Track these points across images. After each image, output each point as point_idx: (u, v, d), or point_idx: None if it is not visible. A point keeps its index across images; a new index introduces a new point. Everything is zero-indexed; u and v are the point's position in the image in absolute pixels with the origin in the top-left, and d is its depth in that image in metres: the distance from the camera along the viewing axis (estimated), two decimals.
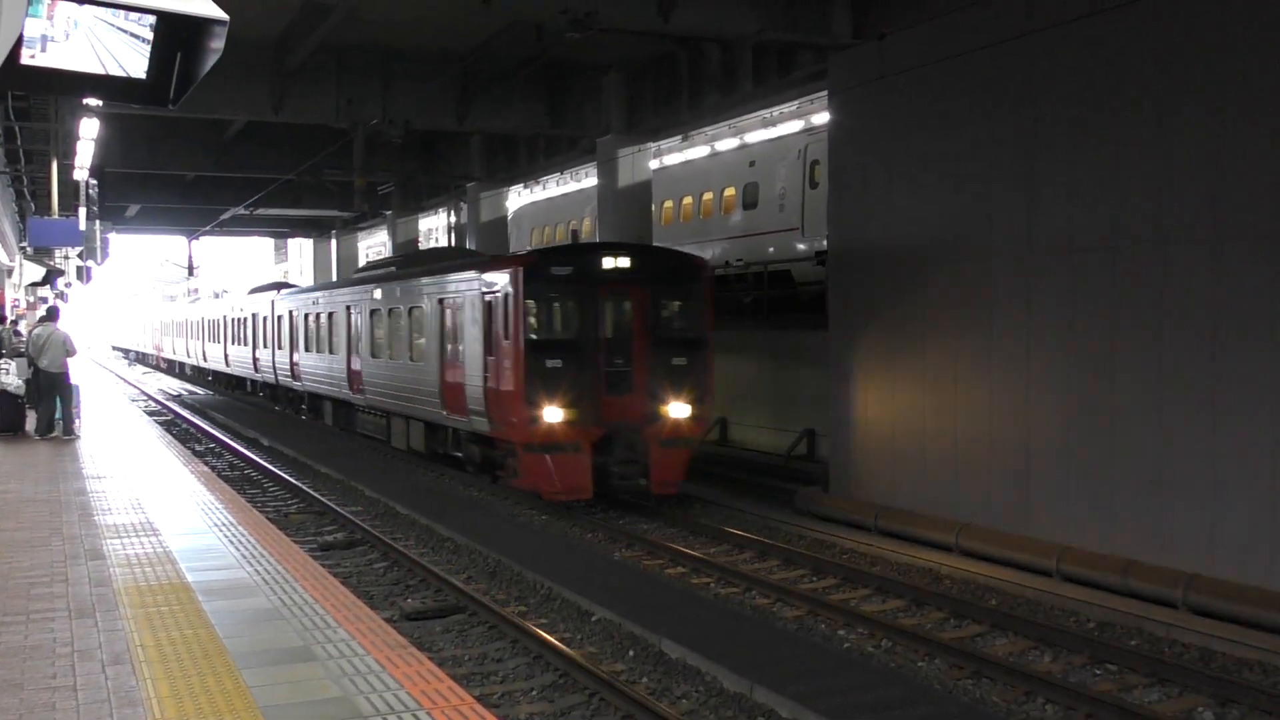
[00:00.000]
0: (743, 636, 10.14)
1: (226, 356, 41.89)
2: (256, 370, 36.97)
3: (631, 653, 10.01)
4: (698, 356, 17.31)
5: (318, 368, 28.90)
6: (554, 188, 37.22)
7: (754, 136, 25.93)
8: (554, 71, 25.66)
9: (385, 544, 14.50)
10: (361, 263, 41.18)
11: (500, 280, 17.08)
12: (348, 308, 26.00)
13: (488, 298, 17.38)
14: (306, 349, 30.17)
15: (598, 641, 10.43)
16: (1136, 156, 12.31)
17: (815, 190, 22.00)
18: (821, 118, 20.76)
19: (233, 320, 40.54)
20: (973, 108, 14.58)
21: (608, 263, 17.13)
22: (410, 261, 24.60)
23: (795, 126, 24.23)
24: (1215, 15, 11.64)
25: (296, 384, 31.71)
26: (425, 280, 20.86)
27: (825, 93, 19.05)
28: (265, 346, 34.97)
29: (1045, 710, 8.84)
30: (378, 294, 23.76)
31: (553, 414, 16.19)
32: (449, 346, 19.22)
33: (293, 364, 31.67)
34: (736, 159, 26.07)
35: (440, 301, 19.60)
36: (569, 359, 16.49)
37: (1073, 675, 9.62)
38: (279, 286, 38.87)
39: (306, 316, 30.19)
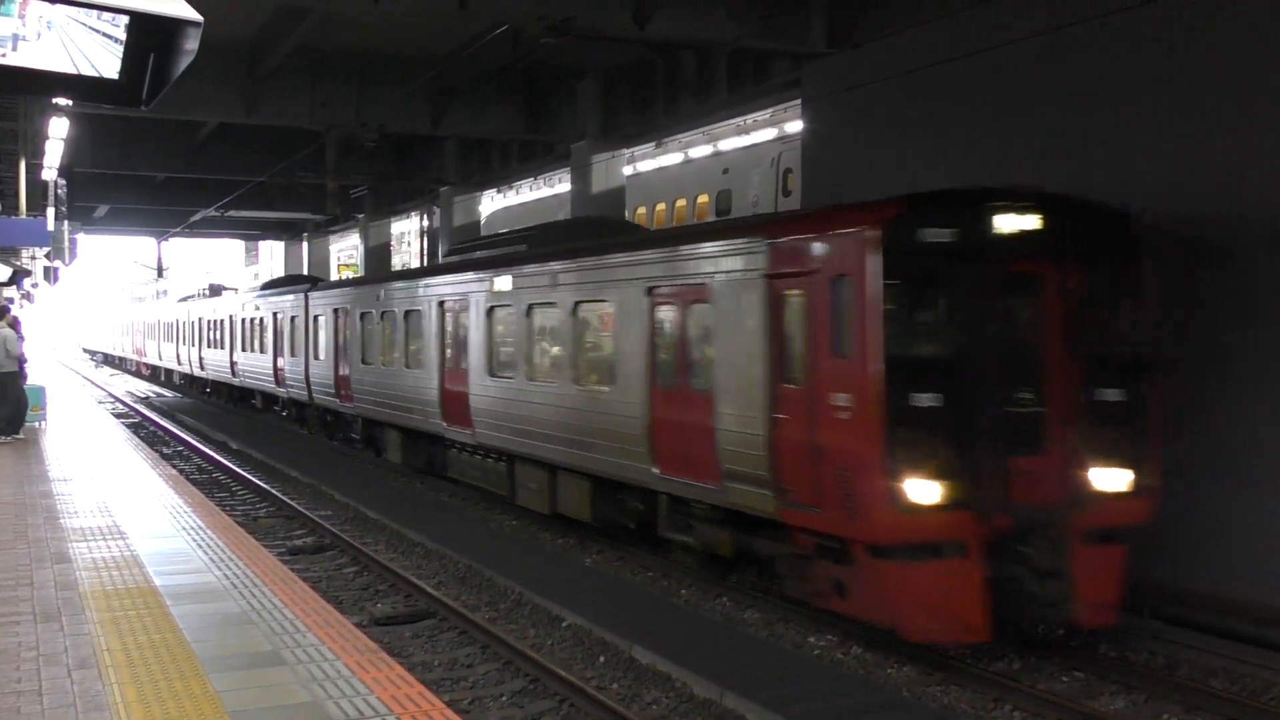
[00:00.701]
0: (713, 643, 10.16)
1: (233, 365, 35.21)
2: (279, 384, 29.92)
3: (602, 658, 10.00)
4: (1142, 385, 10.36)
5: (384, 387, 21.58)
6: (528, 192, 37.18)
7: (728, 144, 26.02)
8: (530, 77, 25.68)
9: (355, 549, 14.43)
10: (335, 267, 36.71)
11: (825, 252, 10.01)
12: (441, 304, 18.73)
13: (787, 286, 10.42)
14: (363, 361, 22.93)
15: (568, 647, 10.42)
16: (1104, 166, 12.44)
17: (788, 198, 22.09)
18: (795, 126, 20.85)
19: (244, 321, 33.73)
20: (946, 117, 14.68)
21: (1004, 223, 9.97)
22: (548, 236, 17.42)
23: (769, 134, 24.33)
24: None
25: (344, 406, 24.50)
26: (625, 259, 13.40)
27: (799, 101, 19.15)
28: (294, 355, 28.36)
29: (1013, 716, 8.90)
30: (507, 283, 16.32)
31: (925, 491, 9.38)
32: (681, 363, 12.25)
33: (337, 378, 24.68)
34: (710, 166, 26.14)
35: (654, 292, 12.61)
36: (951, 393, 9.59)
37: None
38: (309, 280, 31.72)
39: (363, 317, 23.09)
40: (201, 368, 40.20)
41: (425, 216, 38.71)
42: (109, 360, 74.04)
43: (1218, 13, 11.71)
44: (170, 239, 52.36)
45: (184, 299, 46.48)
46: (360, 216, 41.84)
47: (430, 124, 26.57)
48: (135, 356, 57.57)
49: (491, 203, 38.63)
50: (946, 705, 9.09)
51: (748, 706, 8.48)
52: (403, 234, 46.87)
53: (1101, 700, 9.26)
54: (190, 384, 45.53)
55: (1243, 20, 11.47)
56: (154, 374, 54.71)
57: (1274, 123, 11.14)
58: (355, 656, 6.69)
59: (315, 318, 26.44)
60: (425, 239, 38.47)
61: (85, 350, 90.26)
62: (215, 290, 42.67)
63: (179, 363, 45.19)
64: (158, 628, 7.29)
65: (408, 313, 20.37)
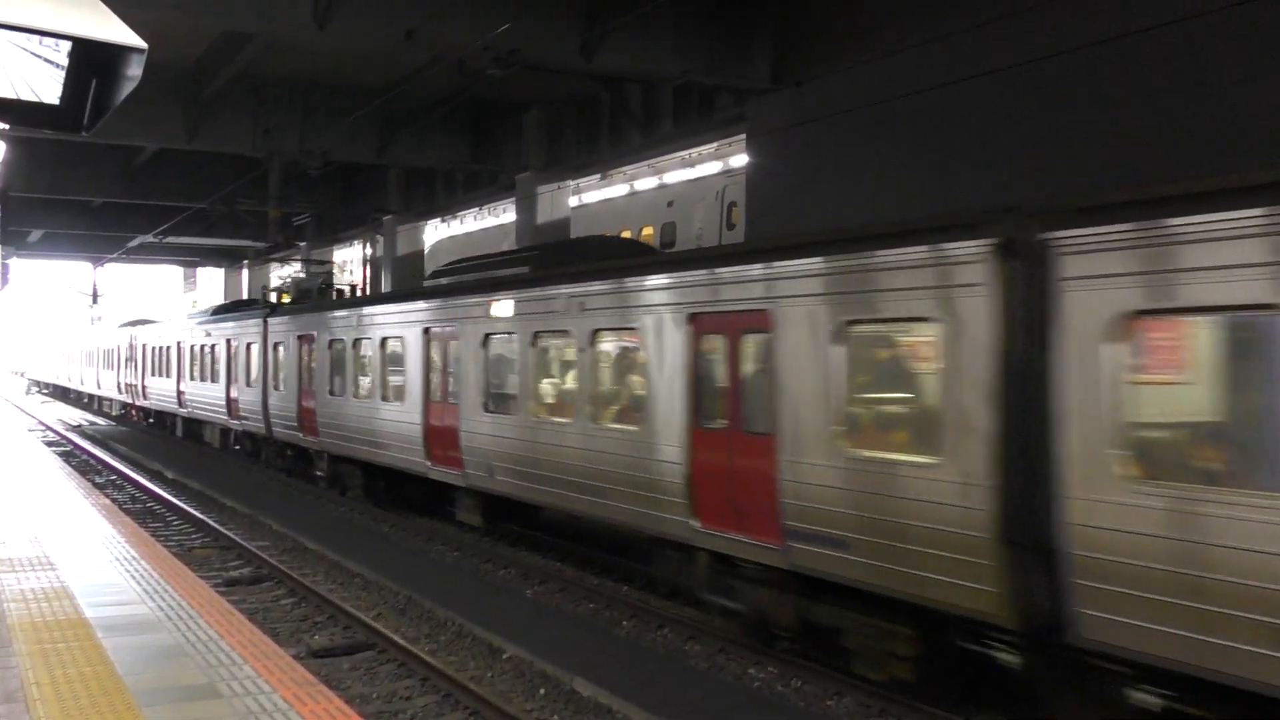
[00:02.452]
0: (655, 675, 10.14)
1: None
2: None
3: (543, 691, 9.94)
4: None
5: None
6: (472, 222, 37.17)
7: (673, 177, 26.25)
8: (476, 107, 25.74)
9: (293, 579, 14.23)
10: (275, 296, 32.80)
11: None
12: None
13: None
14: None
15: (509, 679, 10.34)
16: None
17: (732, 231, 22.29)
18: (740, 160, 21.08)
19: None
20: (886, 152, 14.94)
21: None
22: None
23: (714, 168, 24.58)
24: None
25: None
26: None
27: (744, 135, 19.38)
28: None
29: None
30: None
31: None
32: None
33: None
34: (655, 198, 26.32)
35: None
36: None
37: None
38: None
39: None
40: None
41: (368, 245, 38.54)
42: (45, 387, 71.23)
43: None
44: (107, 265, 51.55)
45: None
46: (302, 244, 41.54)
47: (374, 153, 26.52)
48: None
49: (435, 232, 38.56)
50: None
51: None
52: (345, 262, 46.61)
53: None
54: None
55: None
56: (93, 403, 52.35)
57: None
58: (292, 689, 6.60)
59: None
60: (368, 267, 38.29)
61: (29, 379, 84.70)
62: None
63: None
64: (88, 660, 7.14)
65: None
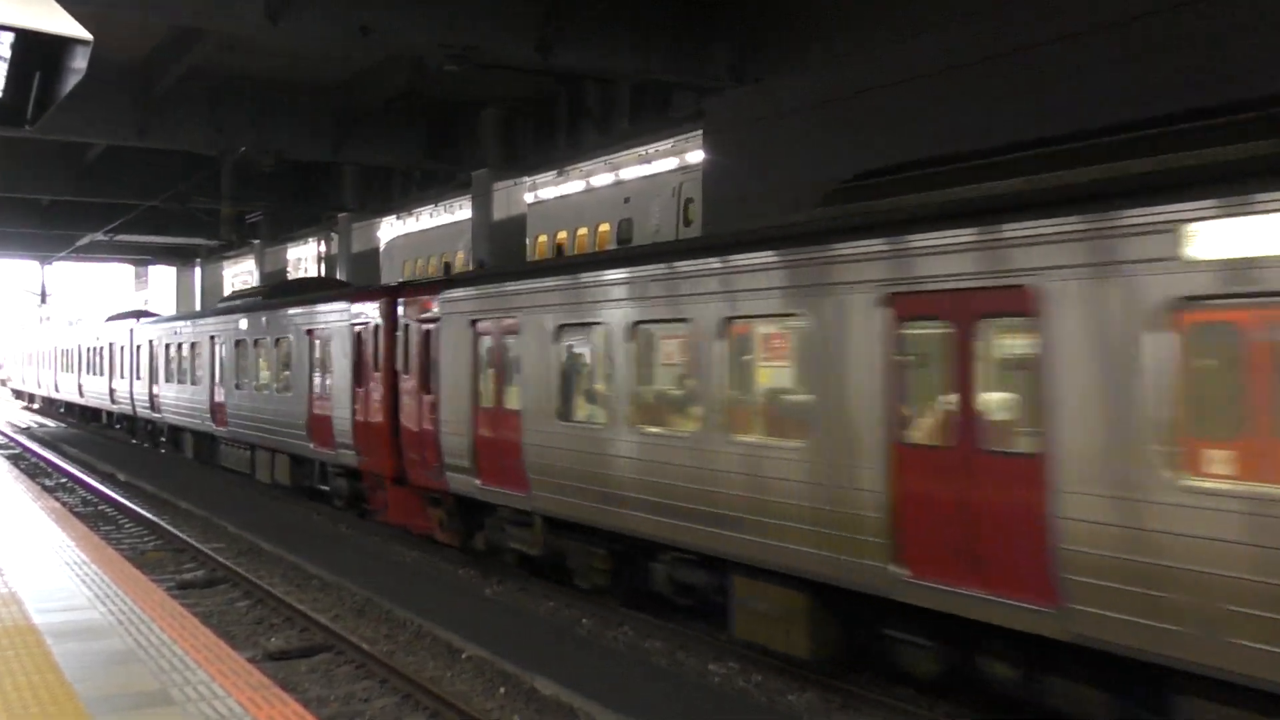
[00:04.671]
0: (616, 672, 10.11)
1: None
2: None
3: (503, 690, 9.88)
4: None
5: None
6: (428, 219, 36.94)
7: (630, 173, 26.18)
8: (432, 105, 25.59)
9: (249, 582, 14.07)
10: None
11: None
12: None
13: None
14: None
15: (469, 679, 10.27)
16: None
17: (689, 228, 22.29)
18: (696, 156, 21.09)
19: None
20: (843, 148, 14.99)
21: None
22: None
23: (671, 164, 24.55)
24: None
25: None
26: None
27: (700, 132, 19.38)
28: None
29: None
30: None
31: None
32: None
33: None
34: (612, 195, 26.27)
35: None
36: None
37: None
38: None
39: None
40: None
41: (323, 243, 38.21)
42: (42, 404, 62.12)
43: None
44: (56, 263, 50.77)
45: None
46: (256, 242, 41.10)
47: (330, 150, 26.28)
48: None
49: (391, 229, 38.34)
50: None
51: None
52: (299, 260, 46.19)
53: None
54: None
55: None
56: (44, 405, 50.29)
57: None
58: (248, 693, 6.50)
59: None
60: (323, 265, 37.97)
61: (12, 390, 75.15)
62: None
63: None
64: (36, 668, 6.99)
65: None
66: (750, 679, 10.35)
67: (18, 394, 61.73)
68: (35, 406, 52.85)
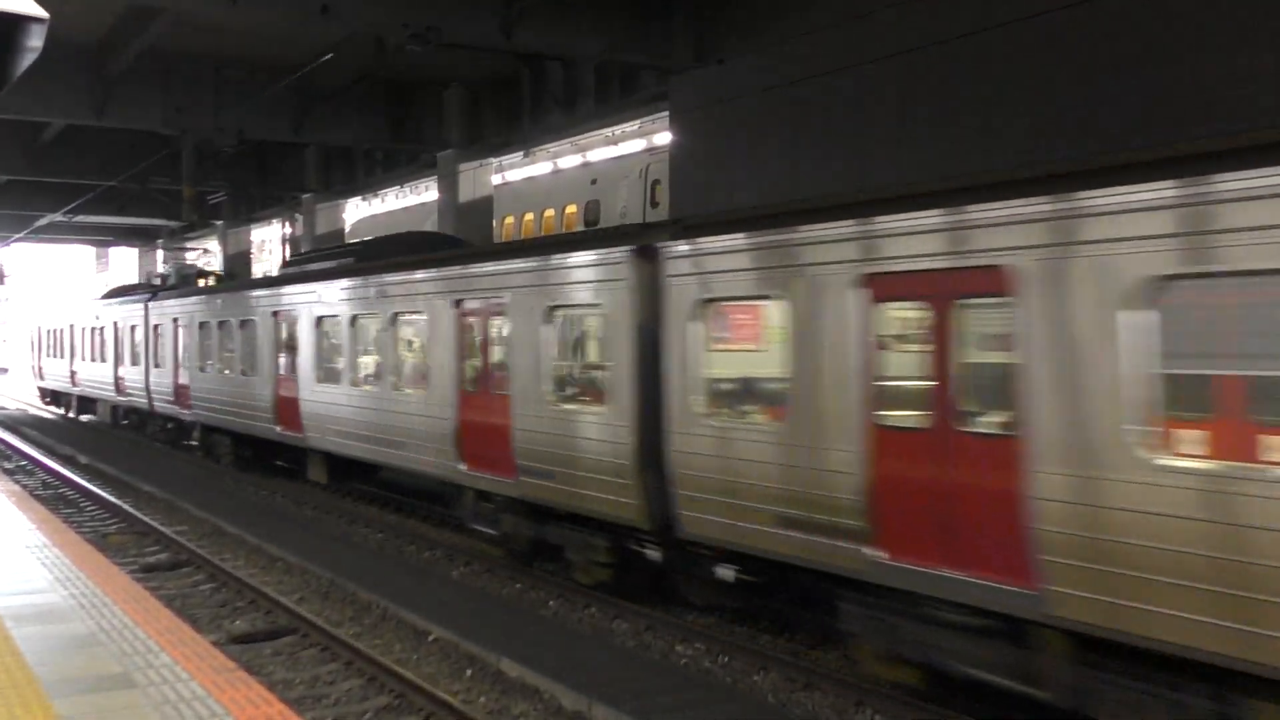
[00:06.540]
0: (582, 654, 10.15)
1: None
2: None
3: (469, 672, 9.90)
4: None
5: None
6: (394, 200, 36.71)
7: (596, 155, 26.14)
8: (395, 85, 25.41)
9: (212, 565, 13.99)
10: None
11: None
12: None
13: None
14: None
15: (435, 661, 10.28)
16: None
17: (656, 209, 22.29)
18: (663, 138, 21.07)
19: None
20: (805, 129, 15.03)
21: None
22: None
23: (637, 146, 24.53)
24: None
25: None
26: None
27: (666, 113, 19.37)
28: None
29: (874, 719, 9.10)
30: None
31: None
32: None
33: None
34: (579, 176, 26.22)
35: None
36: None
37: None
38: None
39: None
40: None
41: (288, 224, 37.87)
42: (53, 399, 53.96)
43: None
44: (12, 245, 50.01)
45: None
46: (219, 223, 40.69)
47: (291, 130, 26.03)
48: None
49: (357, 210, 38.08)
50: (811, 710, 9.25)
51: (616, 717, 8.49)
52: (263, 240, 45.78)
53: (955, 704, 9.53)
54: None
55: None
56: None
57: None
58: (212, 676, 6.48)
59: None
60: (288, 246, 37.65)
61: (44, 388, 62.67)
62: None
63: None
64: None
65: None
66: (716, 659, 10.42)
67: None
68: None
